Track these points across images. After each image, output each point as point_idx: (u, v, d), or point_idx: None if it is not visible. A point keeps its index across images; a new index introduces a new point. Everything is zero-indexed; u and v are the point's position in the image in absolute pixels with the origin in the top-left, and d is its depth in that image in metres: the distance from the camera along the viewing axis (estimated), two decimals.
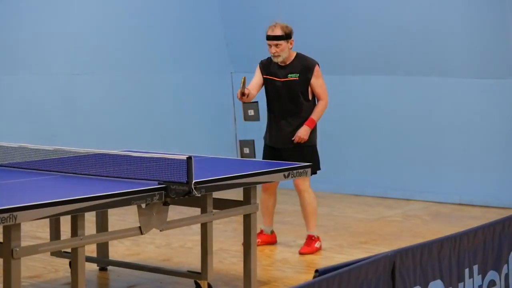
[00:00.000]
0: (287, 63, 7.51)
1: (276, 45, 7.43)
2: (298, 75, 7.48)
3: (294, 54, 7.54)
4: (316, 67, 7.52)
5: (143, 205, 5.45)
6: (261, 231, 7.80)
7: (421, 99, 10.25)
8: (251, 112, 11.16)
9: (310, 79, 7.49)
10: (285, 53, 7.46)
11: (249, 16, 11.13)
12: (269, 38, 7.46)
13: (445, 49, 9.96)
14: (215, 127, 11.45)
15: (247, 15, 11.19)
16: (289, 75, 7.49)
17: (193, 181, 5.36)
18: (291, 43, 7.48)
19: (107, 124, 10.36)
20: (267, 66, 7.59)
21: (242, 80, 7.27)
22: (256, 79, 7.63)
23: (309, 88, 7.51)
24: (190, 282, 6.24)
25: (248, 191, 6.18)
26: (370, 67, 10.48)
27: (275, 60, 7.50)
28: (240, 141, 11.41)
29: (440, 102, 10.14)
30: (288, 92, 7.49)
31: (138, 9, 10.77)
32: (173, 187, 5.35)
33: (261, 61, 7.66)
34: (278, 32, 7.43)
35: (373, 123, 10.57)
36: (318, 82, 7.51)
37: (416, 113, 10.29)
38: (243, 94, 7.29)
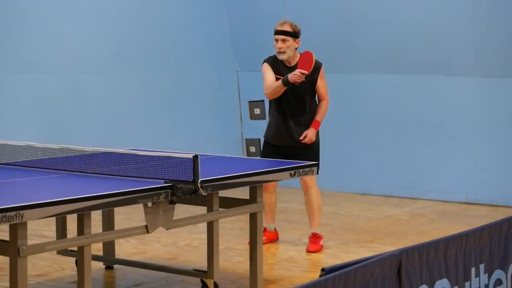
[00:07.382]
0: (292, 64, 7.49)
1: (283, 40, 7.41)
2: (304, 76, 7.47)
3: (299, 55, 7.50)
4: (322, 68, 7.53)
5: (149, 204, 5.45)
6: (265, 229, 7.81)
7: (427, 98, 10.24)
8: (257, 111, 11.17)
9: (317, 79, 7.50)
10: (290, 50, 7.44)
11: (255, 14, 11.13)
12: (277, 32, 7.45)
13: (451, 48, 9.94)
14: (221, 125, 11.44)
15: (253, 14, 11.18)
16: None
17: (199, 180, 5.37)
18: (297, 43, 7.47)
19: (113, 122, 10.38)
20: (275, 65, 7.53)
21: None
22: (272, 74, 7.47)
23: (314, 88, 7.54)
24: (196, 280, 6.24)
25: (254, 189, 6.18)
26: (376, 66, 10.47)
27: (280, 57, 7.46)
28: (246, 139, 11.41)
29: (446, 101, 10.13)
30: (295, 93, 7.47)
31: (144, 8, 10.78)
32: (179, 186, 5.36)
33: (267, 59, 7.58)
34: (287, 28, 7.43)
35: (379, 122, 10.55)
36: (322, 82, 7.56)
37: (422, 112, 10.27)
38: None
